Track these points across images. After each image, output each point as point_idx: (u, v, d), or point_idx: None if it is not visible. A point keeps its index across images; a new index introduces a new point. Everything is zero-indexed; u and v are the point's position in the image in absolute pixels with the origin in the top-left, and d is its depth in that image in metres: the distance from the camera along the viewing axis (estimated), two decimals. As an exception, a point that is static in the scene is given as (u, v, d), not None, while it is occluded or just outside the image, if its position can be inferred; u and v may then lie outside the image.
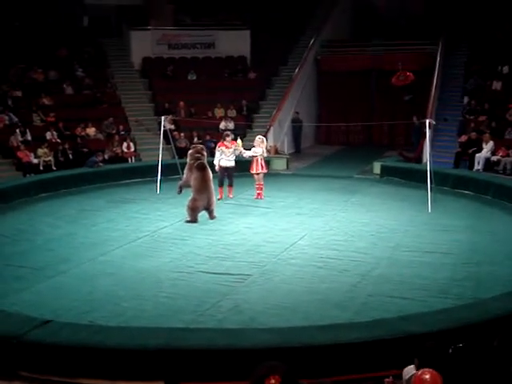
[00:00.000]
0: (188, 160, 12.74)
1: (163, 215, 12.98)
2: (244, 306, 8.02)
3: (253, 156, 14.42)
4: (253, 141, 14.91)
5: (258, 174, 14.47)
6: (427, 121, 14.87)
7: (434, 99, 19.90)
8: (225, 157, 14.27)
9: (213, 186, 12.60)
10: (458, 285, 8.74)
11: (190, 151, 12.93)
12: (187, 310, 7.91)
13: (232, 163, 14.45)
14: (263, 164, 14.54)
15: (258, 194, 14.57)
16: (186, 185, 12.69)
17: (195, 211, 12.29)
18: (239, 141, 15.52)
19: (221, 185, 14.40)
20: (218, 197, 13.94)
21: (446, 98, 21.06)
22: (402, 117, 20.62)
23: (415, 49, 22.40)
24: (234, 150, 14.44)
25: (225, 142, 14.45)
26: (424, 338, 5.97)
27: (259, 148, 14.47)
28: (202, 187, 12.27)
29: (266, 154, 14.83)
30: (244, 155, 14.59)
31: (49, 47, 22.46)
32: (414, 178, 16.11)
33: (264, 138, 15.16)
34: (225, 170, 14.36)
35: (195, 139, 20.36)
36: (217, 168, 14.22)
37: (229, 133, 15.06)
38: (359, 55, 23.34)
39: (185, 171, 12.83)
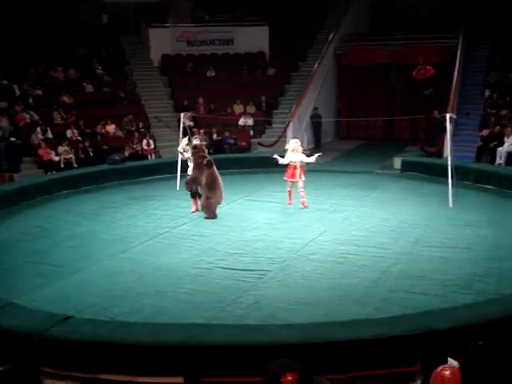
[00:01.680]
0: (194, 159, 12.50)
1: (183, 211, 12.99)
2: (264, 301, 8.00)
3: (290, 163, 12.91)
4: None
5: (297, 181, 12.98)
6: (448, 115, 14.70)
7: (454, 93, 19.68)
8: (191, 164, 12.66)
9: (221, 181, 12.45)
10: (479, 280, 8.62)
11: (192, 150, 12.55)
12: (207, 306, 7.91)
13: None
14: (302, 171, 12.99)
15: (303, 202, 13.09)
16: (197, 182, 12.50)
17: (210, 208, 12.29)
18: (185, 140, 13.25)
19: (193, 196, 12.85)
20: (193, 209, 12.82)
21: (467, 92, 20.82)
22: (422, 111, 20.43)
23: (435, 42, 22.18)
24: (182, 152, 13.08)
25: None
26: (445, 334, 5.92)
27: (297, 154, 12.89)
28: (214, 184, 12.23)
29: (306, 161, 13.04)
30: (280, 162, 12.97)
31: (68, 46, 22.65)
32: (435, 173, 15.94)
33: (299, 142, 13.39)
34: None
35: (214, 136, 20.38)
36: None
37: (197, 132, 13.53)
38: (379, 49, 23.18)
39: (193, 170, 12.58)
